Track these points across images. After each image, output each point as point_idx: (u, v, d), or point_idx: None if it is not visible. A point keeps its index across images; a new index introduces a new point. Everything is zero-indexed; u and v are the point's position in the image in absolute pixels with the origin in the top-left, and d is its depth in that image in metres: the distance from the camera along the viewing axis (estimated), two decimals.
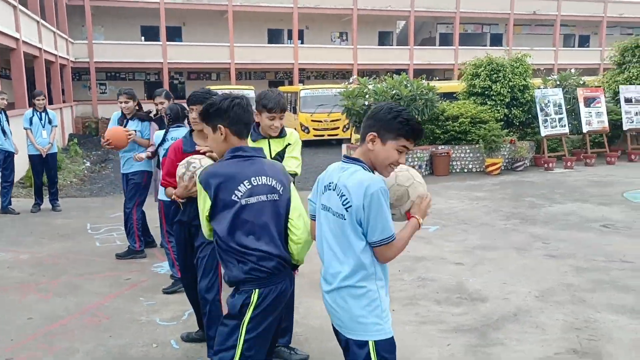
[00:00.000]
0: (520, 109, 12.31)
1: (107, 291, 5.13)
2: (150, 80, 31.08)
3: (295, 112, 20.19)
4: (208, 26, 30.72)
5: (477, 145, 11.43)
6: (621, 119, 12.79)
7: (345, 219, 2.24)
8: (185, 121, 5.28)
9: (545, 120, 11.81)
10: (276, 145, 3.71)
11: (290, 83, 31.37)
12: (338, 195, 2.26)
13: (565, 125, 12.04)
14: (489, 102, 12.20)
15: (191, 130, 3.82)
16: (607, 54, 14.69)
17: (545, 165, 11.64)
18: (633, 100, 12.74)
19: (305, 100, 20.20)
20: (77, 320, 4.47)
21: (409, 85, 11.45)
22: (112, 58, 27.15)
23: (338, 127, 19.77)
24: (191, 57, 28.65)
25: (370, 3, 30.90)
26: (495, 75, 12.21)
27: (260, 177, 2.43)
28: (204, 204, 2.44)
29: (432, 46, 34.43)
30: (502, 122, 11.81)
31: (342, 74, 33.77)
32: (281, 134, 3.70)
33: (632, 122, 12.71)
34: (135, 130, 6.04)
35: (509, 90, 12.17)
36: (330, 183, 2.32)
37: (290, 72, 31.72)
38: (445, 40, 35.33)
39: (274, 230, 2.45)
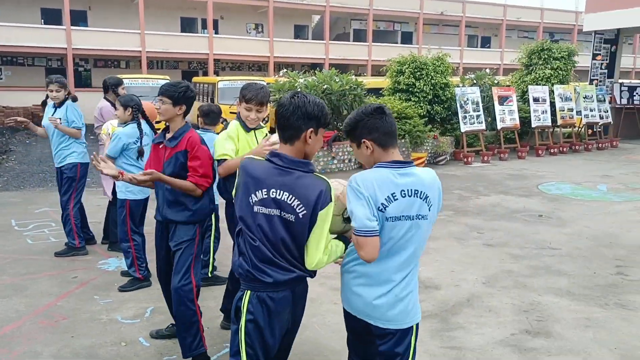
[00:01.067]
0: (442, 105, 12.94)
1: (57, 291, 4.85)
2: (52, 67, 29.13)
3: (213, 103, 19.84)
4: (117, 12, 29.30)
5: (403, 140, 11.88)
6: (529, 116, 13.80)
7: (426, 219, 2.36)
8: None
9: (465, 117, 12.51)
10: (260, 136, 3.75)
11: (205, 74, 30.71)
12: (420, 197, 2.32)
13: (482, 122, 12.82)
14: (412, 99, 12.71)
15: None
16: (515, 56, 15.74)
17: (465, 159, 12.34)
18: (540, 99, 13.79)
19: (224, 92, 19.85)
20: (31, 322, 4.21)
21: (338, 80, 11.65)
22: (8, 42, 25.14)
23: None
24: (98, 43, 27.13)
25: None
26: (418, 73, 12.73)
27: (282, 192, 2.38)
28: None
29: (347, 42, 35.07)
30: (425, 118, 12.35)
31: (257, 66, 33.57)
32: (260, 126, 3.78)
33: (539, 120, 13.76)
34: (59, 118, 5.69)
35: (431, 87, 12.75)
36: (395, 193, 2.30)
37: (204, 62, 31.03)
38: (359, 36, 36.13)
39: (274, 245, 2.46)
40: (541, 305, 4.72)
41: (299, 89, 11.61)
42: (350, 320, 2.51)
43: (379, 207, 2.27)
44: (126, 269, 5.33)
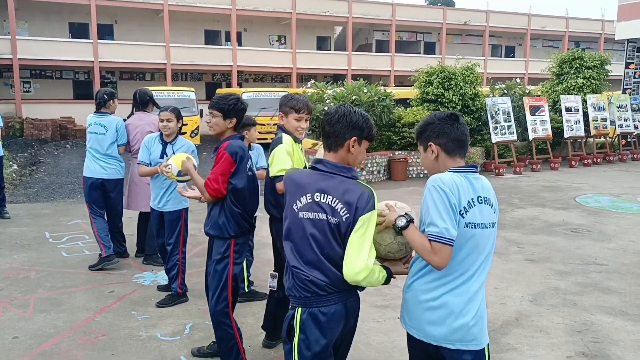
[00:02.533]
0: (471, 116, 12.73)
1: (94, 306, 4.78)
2: (79, 80, 29.64)
3: None
4: (142, 25, 29.69)
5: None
6: (561, 126, 13.51)
7: (494, 227, 2.31)
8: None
9: (495, 128, 12.28)
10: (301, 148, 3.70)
11: (229, 85, 30.89)
12: (489, 205, 2.28)
13: (513, 132, 12.58)
14: (441, 109, 12.52)
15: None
16: (541, 65, 15.47)
17: (496, 170, 12.10)
18: (572, 109, 13.50)
19: (248, 103, 19.97)
20: (70, 339, 4.13)
21: (367, 91, 11.54)
22: (37, 55, 25.60)
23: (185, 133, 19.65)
24: (124, 56, 27.50)
25: (309, 8, 30.99)
26: (447, 83, 12.56)
27: (326, 196, 2.41)
28: None
29: (369, 52, 35.01)
30: None
31: (280, 78, 33.67)
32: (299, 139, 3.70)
33: (572, 130, 13.46)
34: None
35: (460, 97, 12.56)
36: (473, 198, 2.23)
37: (228, 74, 31.23)
38: (381, 47, 36.04)
39: (313, 254, 2.41)
40: (595, 326, 4.50)
41: (327, 100, 11.55)
42: (419, 344, 2.37)
43: (460, 211, 2.18)
44: (162, 283, 5.27)
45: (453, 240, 2.15)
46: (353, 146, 2.35)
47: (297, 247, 2.33)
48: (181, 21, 29.62)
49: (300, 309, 2.33)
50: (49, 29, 27.58)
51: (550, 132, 13.15)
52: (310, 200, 2.32)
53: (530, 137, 12.86)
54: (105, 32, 29.32)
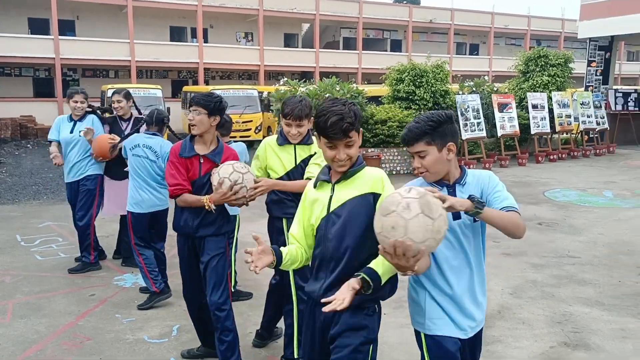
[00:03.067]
0: None
1: (76, 310, 4.68)
2: (40, 77, 28.81)
3: None
4: (105, 21, 29.03)
5: (404, 148, 11.80)
6: (528, 123, 13.84)
7: None
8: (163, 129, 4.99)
9: (465, 125, 12.50)
10: (302, 152, 3.61)
11: (195, 83, 30.51)
12: None
13: (482, 129, 12.82)
14: (413, 107, 12.68)
15: (192, 136, 3.58)
16: (505, 63, 15.82)
17: (466, 167, 12.29)
18: (539, 106, 13.85)
19: None
20: (54, 344, 4.04)
21: (340, 88, 11.58)
22: None
23: (250, 129, 19.65)
24: (86, 53, 26.84)
25: (276, 4, 30.87)
26: (418, 81, 12.70)
27: None
28: None
29: (337, 50, 35.11)
30: None
31: (248, 75, 33.44)
32: (307, 142, 3.60)
33: (539, 126, 13.81)
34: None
35: (432, 95, 12.73)
36: None
37: (194, 71, 30.86)
38: (348, 44, 36.19)
39: None
40: (574, 316, 4.65)
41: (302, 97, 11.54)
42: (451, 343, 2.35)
43: None
44: (144, 285, 5.19)
45: None
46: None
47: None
48: (146, 17, 29.09)
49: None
50: (7, 24, 26.67)
51: (517, 128, 13.47)
52: None
53: (499, 134, 13.14)
54: (67, 27, 28.56)
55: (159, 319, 4.54)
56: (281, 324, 4.24)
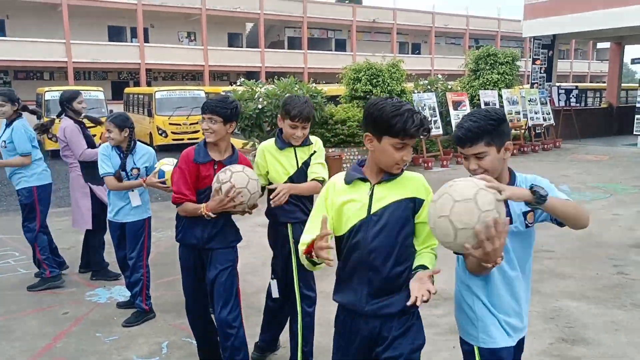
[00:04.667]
0: None
1: (51, 331, 4.31)
2: None
3: (150, 115, 19.13)
4: (38, 20, 27.67)
5: (364, 148, 11.79)
6: None
7: None
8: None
9: None
10: (302, 154, 3.47)
11: (136, 84, 29.57)
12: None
13: (439, 127, 13.00)
14: None
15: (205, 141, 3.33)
16: (462, 62, 16.15)
17: (425, 164, 12.45)
18: (490, 103, 14.19)
19: (162, 103, 19.22)
20: None
21: (299, 88, 11.42)
22: None
23: (198, 131, 19.17)
24: (18, 54, 25.47)
25: (219, 3, 30.36)
26: (375, 80, 12.72)
27: None
28: None
29: (281, 49, 34.91)
30: None
31: (192, 75, 32.74)
32: (306, 142, 3.46)
33: None
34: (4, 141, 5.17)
35: (388, 94, 12.78)
36: None
37: (135, 72, 29.91)
38: (293, 44, 36.07)
39: None
40: (563, 311, 4.70)
41: (260, 99, 11.31)
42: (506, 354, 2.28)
43: None
44: (120, 300, 4.89)
45: None
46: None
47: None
48: (82, 17, 27.92)
49: None
50: None
51: None
52: None
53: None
54: None
55: (145, 335, 4.25)
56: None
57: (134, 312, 4.51)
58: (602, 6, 15.02)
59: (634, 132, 15.73)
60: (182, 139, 18.69)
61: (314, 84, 12.01)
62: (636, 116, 15.53)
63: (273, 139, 3.52)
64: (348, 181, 2.25)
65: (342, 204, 2.23)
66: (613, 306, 4.78)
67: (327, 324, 4.34)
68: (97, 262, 5.52)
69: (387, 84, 12.78)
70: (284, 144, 3.44)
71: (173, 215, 8.29)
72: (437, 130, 13.03)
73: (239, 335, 3.25)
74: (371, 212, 2.18)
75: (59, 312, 4.70)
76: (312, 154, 3.49)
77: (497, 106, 14.46)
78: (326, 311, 4.52)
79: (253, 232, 6.22)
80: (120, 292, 5.11)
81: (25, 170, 5.14)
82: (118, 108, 22.85)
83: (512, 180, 2.22)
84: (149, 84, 29.26)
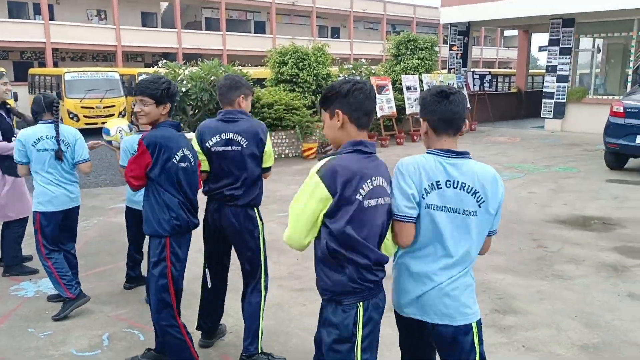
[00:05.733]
0: None
1: None
2: None
3: (59, 97, 18.05)
4: None
5: (292, 131, 11.82)
6: (402, 104, 14.54)
7: (476, 215, 2.23)
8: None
9: None
10: None
11: (42, 65, 27.73)
12: (468, 192, 2.22)
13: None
14: (297, 90, 12.68)
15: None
16: (384, 46, 16.46)
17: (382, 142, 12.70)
18: (412, 88, 14.60)
19: (72, 85, 18.21)
20: None
21: (223, 70, 11.22)
22: None
23: (113, 114, 18.36)
24: None
25: None
26: (301, 64, 12.72)
27: (378, 178, 2.22)
28: (320, 202, 2.16)
29: (199, 30, 33.96)
30: (314, 109, 12.41)
31: (103, 56, 31.16)
32: None
33: (412, 107, 14.54)
34: None
35: (314, 78, 12.83)
36: (440, 181, 2.22)
37: (40, 52, 28.04)
38: (211, 25, 35.20)
39: (377, 238, 2.25)
40: (492, 284, 4.99)
41: (184, 81, 10.99)
42: (402, 320, 2.42)
43: (421, 193, 2.21)
44: (50, 292, 4.64)
45: (408, 217, 2.22)
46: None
47: (368, 239, 2.18)
48: None
49: (362, 303, 2.21)
50: None
51: (394, 109, 14.09)
52: (372, 187, 2.18)
53: (379, 115, 13.64)
54: None
55: (82, 328, 4.06)
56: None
57: (62, 303, 4.27)
58: None
59: (542, 116, 16.79)
60: (96, 123, 17.80)
61: (239, 67, 11.83)
62: (543, 100, 16.55)
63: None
64: None
65: None
66: (537, 278, 5.13)
67: (276, 306, 4.38)
68: (10, 257, 5.17)
69: (313, 67, 12.82)
70: None
71: (98, 202, 7.96)
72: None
73: (174, 329, 3.28)
74: None
75: None
76: None
77: (419, 91, 14.93)
78: (274, 295, 4.53)
79: None
80: (49, 284, 4.80)
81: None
82: (22, 90, 21.34)
83: None
84: (55, 65, 27.52)
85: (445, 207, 2.22)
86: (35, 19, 28.41)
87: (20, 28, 26.48)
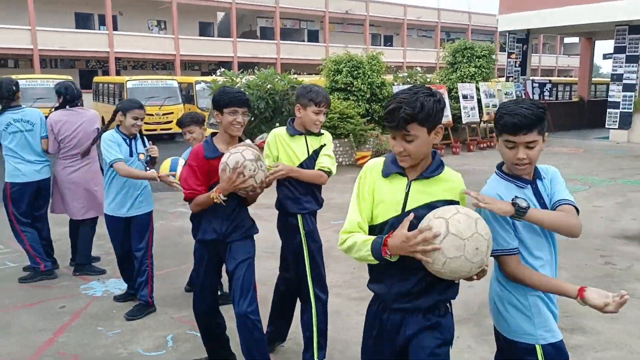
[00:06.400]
0: (379, 104, 13.05)
1: (50, 325, 4.20)
2: None
3: None
4: (2, 6, 26.72)
5: (346, 140, 11.83)
6: (458, 113, 14.32)
7: None
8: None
9: None
10: (313, 142, 3.51)
11: (105, 73, 28.92)
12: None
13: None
14: (351, 98, 12.70)
15: (212, 135, 3.29)
16: (439, 54, 16.27)
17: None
18: (468, 96, 14.37)
19: (134, 92, 18.81)
20: None
21: (279, 79, 11.36)
22: None
23: (171, 121, 18.90)
24: None
25: None
26: (355, 72, 12.74)
27: None
28: None
29: (254, 39, 34.59)
30: (369, 117, 12.40)
31: (162, 65, 32.18)
32: (319, 133, 3.49)
33: (469, 116, 14.32)
34: None
35: (369, 86, 12.81)
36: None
37: (104, 61, 29.24)
38: (265, 34, 35.79)
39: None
40: (560, 301, 4.78)
41: (241, 89, 11.19)
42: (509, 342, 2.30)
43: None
44: (117, 293, 4.81)
45: (513, 250, 2.16)
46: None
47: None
48: (47, 3, 27.12)
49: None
50: None
51: (450, 118, 13.89)
52: None
53: None
54: None
55: (148, 329, 4.18)
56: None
57: (137, 305, 4.42)
58: (576, 2, 15.36)
59: (606, 126, 16.16)
60: (155, 130, 18.38)
61: (295, 76, 11.95)
62: (608, 110, 15.94)
63: (284, 127, 3.53)
64: (386, 174, 2.17)
65: (378, 194, 2.16)
66: None
67: (335, 314, 4.38)
68: (83, 256, 5.38)
69: (367, 76, 12.81)
70: (295, 131, 3.48)
71: (162, 207, 8.18)
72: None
73: (258, 327, 3.21)
74: (405, 210, 2.11)
75: (55, 306, 4.58)
76: (322, 145, 3.51)
77: (475, 99, 14.66)
78: (332, 303, 4.53)
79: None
80: (116, 285, 5.01)
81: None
82: (88, 97, 22.31)
83: (538, 172, 2.25)
84: (118, 73, 28.66)
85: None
86: (100, 30, 29.65)
87: (86, 38, 27.72)
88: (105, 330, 4.14)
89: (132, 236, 4.37)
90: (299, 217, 3.51)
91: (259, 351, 3.16)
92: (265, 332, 3.85)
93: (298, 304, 3.75)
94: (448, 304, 2.27)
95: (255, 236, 3.36)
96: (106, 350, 3.83)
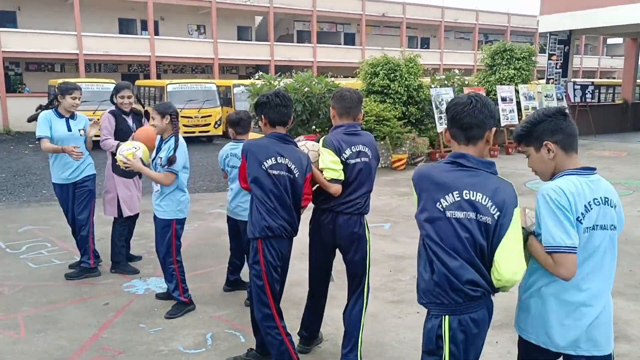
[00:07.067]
0: (416, 106, 12.98)
1: (94, 321, 4.35)
2: None
3: None
4: (49, 12, 27.62)
5: (382, 142, 11.81)
6: (498, 116, 14.13)
7: (616, 229, 2.24)
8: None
9: (440, 117, 12.62)
10: None
11: (147, 77, 29.58)
12: (612, 206, 2.22)
13: None
14: (388, 101, 12.67)
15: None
16: (477, 56, 16.08)
17: (442, 159, 12.40)
18: (507, 99, 14.15)
19: (173, 95, 19.21)
20: None
21: (316, 82, 11.42)
22: None
23: (209, 124, 19.27)
24: (30, 45, 25.42)
25: None
26: (392, 75, 12.70)
27: (475, 193, 2.21)
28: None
29: (291, 43, 34.82)
30: (406, 120, 12.34)
31: (201, 68, 32.71)
32: None
33: (508, 118, 14.11)
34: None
35: (405, 89, 12.76)
36: (590, 202, 2.18)
37: (145, 65, 29.88)
38: (302, 37, 35.98)
39: (467, 252, 2.18)
40: None
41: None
42: (538, 352, 2.31)
43: (578, 217, 2.14)
44: (158, 291, 4.94)
45: (573, 248, 2.11)
46: (490, 136, 2.26)
47: (448, 249, 2.15)
48: (93, 8, 27.89)
49: (448, 316, 2.18)
50: None
51: None
52: (459, 199, 2.16)
53: None
54: (7, 19, 27.01)
55: (188, 327, 4.28)
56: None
57: (174, 305, 4.53)
58: (621, 1, 14.93)
59: None
60: (194, 132, 18.72)
61: (332, 79, 11.99)
62: None
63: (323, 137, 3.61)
64: None
65: None
66: None
67: (371, 317, 4.40)
68: (117, 254, 5.52)
69: (404, 78, 12.76)
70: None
71: (200, 208, 8.29)
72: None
73: (272, 327, 3.41)
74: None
75: (99, 303, 4.74)
76: None
77: (514, 102, 14.42)
78: (369, 305, 4.54)
79: None
80: (157, 283, 5.14)
81: (90, 157, 5.47)
82: None
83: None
84: (158, 77, 29.27)
85: (597, 225, 2.20)
86: (142, 34, 30.35)
87: (129, 43, 28.40)
88: (147, 327, 4.26)
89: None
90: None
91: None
92: (300, 330, 3.91)
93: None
94: None
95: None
96: (148, 347, 3.95)
